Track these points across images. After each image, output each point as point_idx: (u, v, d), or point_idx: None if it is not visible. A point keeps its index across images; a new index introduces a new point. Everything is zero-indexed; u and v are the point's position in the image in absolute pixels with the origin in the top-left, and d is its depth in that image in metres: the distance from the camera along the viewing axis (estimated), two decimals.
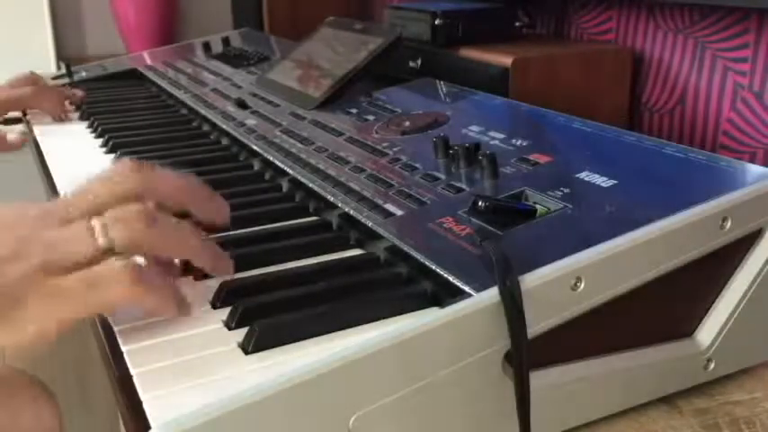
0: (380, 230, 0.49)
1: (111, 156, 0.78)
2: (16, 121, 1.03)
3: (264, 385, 0.33)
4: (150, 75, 1.17)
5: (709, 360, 0.47)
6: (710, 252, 0.44)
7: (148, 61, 1.27)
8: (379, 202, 0.53)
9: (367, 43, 0.85)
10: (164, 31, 1.87)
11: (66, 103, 1.00)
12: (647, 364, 0.45)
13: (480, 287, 0.39)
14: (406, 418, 0.36)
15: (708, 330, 0.47)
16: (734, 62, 0.97)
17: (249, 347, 0.39)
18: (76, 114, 0.99)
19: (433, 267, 0.43)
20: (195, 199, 0.46)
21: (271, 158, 0.68)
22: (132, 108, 1.01)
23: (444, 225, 0.47)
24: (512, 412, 0.37)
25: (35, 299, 0.37)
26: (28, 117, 0.99)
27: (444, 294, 0.43)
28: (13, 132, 0.88)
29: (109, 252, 0.40)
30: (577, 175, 0.50)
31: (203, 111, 0.89)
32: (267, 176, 0.69)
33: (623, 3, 1.13)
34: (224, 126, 0.81)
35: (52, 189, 0.70)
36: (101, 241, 0.39)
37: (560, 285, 0.39)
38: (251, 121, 0.80)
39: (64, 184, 0.70)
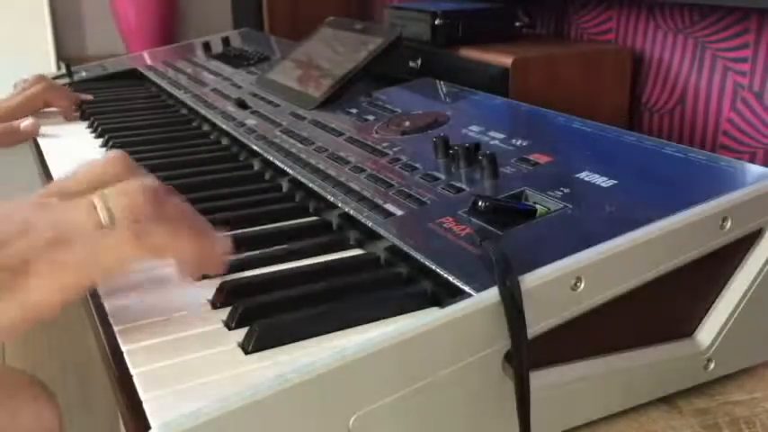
0: (380, 230, 0.49)
1: None
2: None
3: (264, 385, 0.33)
4: (150, 75, 1.17)
5: (709, 360, 0.47)
6: (710, 252, 0.44)
7: (148, 61, 1.27)
8: (379, 202, 0.53)
9: (367, 43, 0.85)
10: (164, 31, 1.87)
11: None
12: (647, 364, 0.45)
13: (480, 287, 0.39)
14: (406, 418, 0.36)
15: (708, 330, 0.47)
16: (734, 62, 0.97)
17: (249, 347, 0.39)
18: (76, 114, 0.99)
19: (433, 267, 0.43)
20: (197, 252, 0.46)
21: (271, 158, 0.68)
22: (132, 108, 1.01)
23: (444, 225, 0.47)
24: (512, 412, 0.37)
25: (45, 271, 0.37)
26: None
27: (444, 294, 0.43)
28: (25, 121, 0.88)
29: (109, 226, 0.40)
30: (577, 175, 0.50)
31: (203, 111, 0.89)
32: (267, 176, 0.69)
33: (623, 3, 1.13)
34: (224, 126, 0.81)
35: None
36: (101, 214, 0.40)
37: (560, 285, 0.39)
38: (251, 121, 0.80)
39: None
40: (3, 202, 0.42)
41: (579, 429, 0.43)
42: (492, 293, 0.38)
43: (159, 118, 0.95)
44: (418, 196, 0.52)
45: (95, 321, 0.46)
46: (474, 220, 0.47)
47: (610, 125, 0.60)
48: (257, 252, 0.51)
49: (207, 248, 0.44)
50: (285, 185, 0.65)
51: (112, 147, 0.80)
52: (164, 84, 1.09)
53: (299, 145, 0.69)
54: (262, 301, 0.44)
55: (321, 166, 0.62)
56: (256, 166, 0.72)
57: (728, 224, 0.44)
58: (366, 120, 0.73)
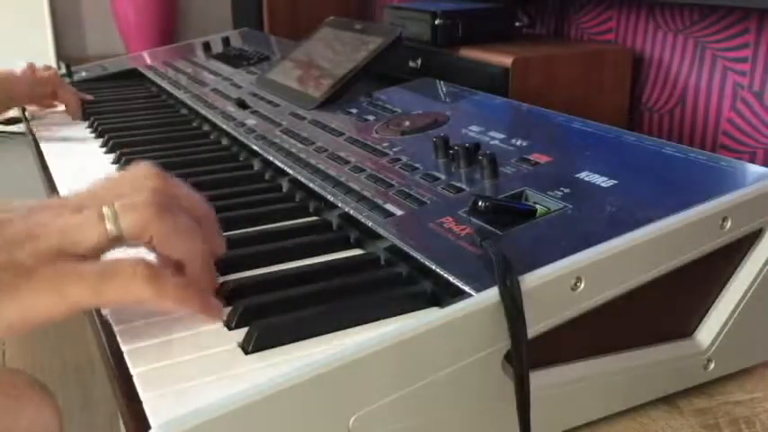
0: (380, 230, 0.49)
1: (111, 155, 0.78)
2: (16, 120, 1.03)
3: (264, 385, 0.33)
4: (150, 75, 1.17)
5: (709, 360, 0.47)
6: (710, 252, 0.44)
7: (148, 61, 1.27)
8: (379, 202, 0.53)
9: (367, 43, 0.85)
10: (164, 31, 1.87)
11: None
12: (647, 364, 0.45)
13: (480, 287, 0.39)
14: (406, 418, 0.36)
15: (708, 330, 0.47)
16: (734, 62, 0.97)
17: (249, 347, 0.39)
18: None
19: (433, 267, 0.43)
20: (206, 230, 0.45)
21: (271, 158, 0.68)
22: (132, 108, 1.01)
23: (444, 225, 0.47)
24: (512, 412, 0.37)
25: (49, 276, 0.37)
26: (28, 115, 0.99)
27: (444, 294, 0.43)
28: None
29: (118, 239, 0.40)
30: (577, 175, 0.50)
31: (203, 111, 0.89)
32: (267, 176, 0.69)
33: (623, 3, 1.13)
34: (224, 126, 0.81)
35: (52, 189, 0.70)
36: (110, 228, 0.40)
37: (560, 285, 0.39)
38: (251, 121, 0.80)
39: (64, 184, 0.70)
40: (22, 202, 0.42)
41: (579, 429, 0.43)
42: (492, 293, 0.38)
43: (159, 118, 0.95)
44: (418, 196, 0.52)
45: (95, 321, 0.46)
46: (474, 220, 0.47)
47: (610, 125, 0.60)
48: (257, 252, 0.51)
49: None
50: (285, 185, 0.65)
51: (112, 147, 0.80)
52: (164, 84, 1.09)
53: (299, 145, 0.69)
54: (262, 301, 0.44)
55: (321, 166, 0.62)
56: (256, 166, 0.72)
57: (728, 224, 0.44)
58: (366, 120, 0.73)
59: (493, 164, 0.53)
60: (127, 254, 0.40)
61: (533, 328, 0.38)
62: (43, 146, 0.84)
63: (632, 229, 0.42)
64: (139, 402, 0.36)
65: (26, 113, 0.99)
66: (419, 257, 0.45)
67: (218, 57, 1.18)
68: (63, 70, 1.20)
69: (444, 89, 0.80)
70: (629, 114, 1.11)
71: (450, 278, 0.41)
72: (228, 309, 0.43)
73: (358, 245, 0.53)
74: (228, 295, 0.45)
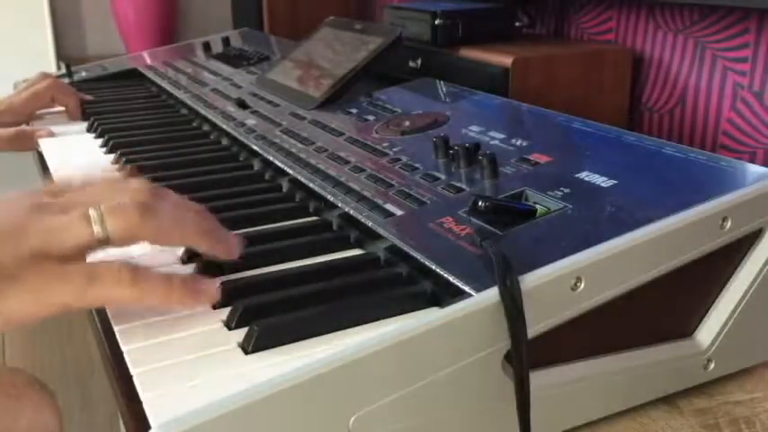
0: (380, 230, 0.49)
1: (112, 155, 0.78)
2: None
3: (264, 385, 0.33)
4: (150, 75, 1.17)
5: (709, 360, 0.47)
6: (710, 252, 0.44)
7: (148, 61, 1.27)
8: (379, 202, 0.53)
9: (367, 43, 0.85)
10: (164, 31, 1.87)
11: None
12: (647, 364, 0.45)
13: (480, 287, 0.39)
14: (406, 418, 0.36)
15: (708, 330, 0.47)
16: (734, 62, 0.97)
17: (249, 347, 0.39)
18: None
19: (433, 267, 0.43)
20: (205, 239, 0.45)
21: (271, 158, 0.68)
22: (132, 108, 1.01)
23: (444, 225, 0.47)
24: (512, 412, 0.37)
25: (32, 277, 0.37)
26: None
27: (444, 294, 0.43)
28: (41, 129, 0.89)
29: (104, 241, 0.40)
30: (577, 175, 0.50)
31: (203, 111, 0.89)
32: (267, 176, 0.69)
33: (623, 3, 1.13)
34: (224, 126, 0.81)
35: None
36: (96, 230, 0.40)
37: (560, 285, 0.39)
38: (251, 121, 0.80)
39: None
40: (3, 196, 0.42)
41: (579, 429, 0.43)
42: (492, 293, 0.38)
43: (159, 118, 0.95)
44: (418, 196, 0.52)
45: (95, 321, 0.46)
46: (474, 220, 0.47)
47: (610, 125, 0.60)
48: (257, 252, 0.51)
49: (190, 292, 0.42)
50: (285, 185, 0.65)
51: (112, 147, 0.80)
52: (164, 84, 1.09)
53: (299, 145, 0.69)
54: (262, 301, 0.44)
55: (321, 166, 0.62)
56: (256, 166, 0.72)
57: (728, 224, 0.44)
58: (366, 120, 0.73)
59: (493, 164, 0.53)
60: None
61: (533, 328, 0.38)
62: (43, 146, 0.84)
63: (632, 229, 0.42)
64: (139, 402, 0.36)
65: None
66: (419, 257, 0.45)
67: (218, 57, 1.18)
68: (63, 70, 1.20)
69: (444, 89, 0.80)
70: (629, 114, 1.11)
71: (451, 278, 0.41)
72: (228, 309, 0.43)
73: (358, 245, 0.53)
74: (229, 295, 0.45)
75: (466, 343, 0.37)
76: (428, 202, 0.51)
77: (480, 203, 0.46)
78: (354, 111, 0.76)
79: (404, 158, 0.60)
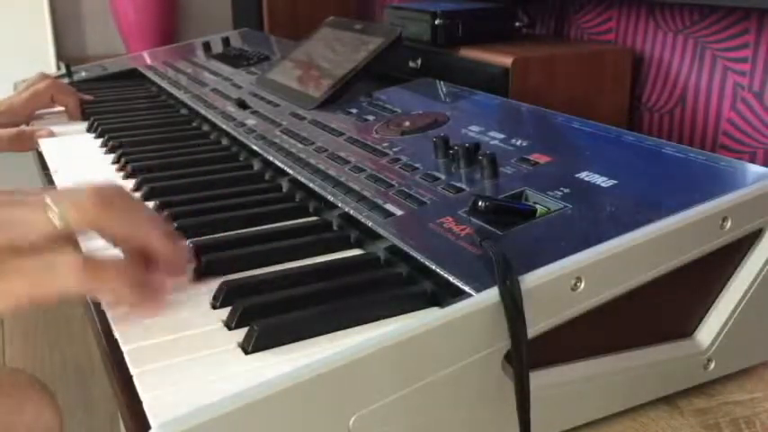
0: (380, 230, 0.49)
1: (112, 155, 0.78)
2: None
3: (264, 385, 0.33)
4: (150, 75, 1.17)
5: (709, 360, 0.47)
6: (710, 252, 0.44)
7: (148, 61, 1.27)
8: (379, 202, 0.53)
9: (367, 43, 0.85)
10: (164, 31, 1.87)
11: None
12: (647, 364, 0.45)
13: (480, 287, 0.39)
14: (406, 418, 0.36)
15: (708, 330, 0.47)
16: (734, 62, 0.97)
17: (249, 347, 0.39)
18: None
19: (433, 267, 0.43)
20: (162, 250, 0.45)
21: (271, 158, 0.68)
22: (132, 108, 1.01)
23: (444, 225, 0.47)
24: (512, 412, 0.37)
25: None
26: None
27: (444, 294, 0.43)
28: (41, 130, 0.89)
29: (65, 229, 0.40)
30: (577, 175, 0.50)
31: (203, 111, 0.89)
32: (267, 176, 0.69)
33: (623, 3, 1.13)
34: (224, 126, 0.81)
35: None
36: (57, 223, 0.40)
37: (560, 285, 0.39)
38: (251, 121, 0.80)
39: (63, 185, 0.70)
40: None
41: (579, 429, 0.43)
42: (492, 293, 0.38)
43: (159, 118, 0.95)
44: (418, 196, 0.52)
45: (95, 321, 0.46)
46: (474, 220, 0.47)
47: (610, 125, 0.60)
48: (257, 252, 0.51)
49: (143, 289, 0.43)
50: (285, 185, 0.65)
51: (112, 147, 0.80)
52: (164, 84, 1.09)
53: (299, 145, 0.69)
54: (262, 301, 0.44)
55: (321, 166, 0.62)
56: (256, 166, 0.72)
57: (728, 224, 0.44)
58: (366, 120, 0.73)
59: (493, 164, 0.53)
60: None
61: (533, 328, 0.38)
62: (43, 146, 0.84)
63: (632, 229, 0.42)
64: (139, 402, 0.36)
65: None
66: (419, 257, 0.45)
67: (218, 57, 1.18)
68: (63, 70, 1.20)
69: (444, 89, 0.80)
70: (629, 114, 1.11)
71: (451, 278, 0.41)
72: (228, 309, 0.44)
73: (358, 245, 0.53)
74: (228, 295, 0.45)
75: (466, 343, 0.37)
76: (428, 202, 0.51)
77: (480, 203, 0.46)
78: (354, 111, 0.76)
79: (404, 158, 0.60)
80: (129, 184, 0.68)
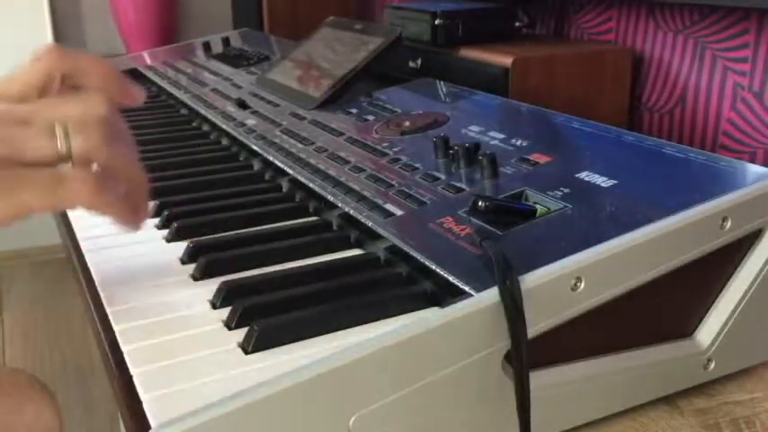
0: (380, 230, 0.49)
1: None
2: None
3: (264, 385, 0.33)
4: (150, 75, 1.17)
5: (709, 360, 0.47)
6: (710, 252, 0.44)
7: (148, 61, 1.27)
8: (379, 202, 0.53)
9: (367, 43, 0.85)
10: (164, 31, 1.87)
11: None
12: (647, 364, 0.45)
13: (480, 287, 0.39)
14: (406, 418, 0.36)
15: (708, 330, 0.47)
16: (734, 62, 0.97)
17: (249, 347, 0.39)
18: None
19: (433, 267, 0.43)
20: (116, 86, 0.49)
21: (271, 158, 0.68)
22: (132, 108, 1.01)
23: (444, 225, 0.47)
24: (512, 412, 0.37)
25: (1, 179, 0.37)
26: None
27: (444, 294, 0.43)
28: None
29: (65, 158, 0.40)
30: (577, 175, 0.50)
31: (203, 111, 0.89)
32: (267, 176, 0.69)
33: (623, 3, 1.13)
34: (224, 126, 0.81)
35: None
36: (60, 146, 0.40)
37: (560, 285, 0.39)
38: (251, 121, 0.80)
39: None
40: None
41: (579, 429, 0.43)
42: (492, 293, 0.38)
43: (159, 118, 0.95)
44: (418, 196, 0.52)
45: (95, 321, 0.46)
46: (474, 220, 0.47)
47: (610, 125, 0.60)
48: (257, 252, 0.51)
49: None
50: (285, 185, 0.65)
51: None
52: (164, 84, 1.09)
53: (299, 145, 0.69)
54: (262, 301, 0.44)
55: (321, 166, 0.62)
56: (256, 166, 0.72)
57: (728, 224, 0.44)
58: (366, 120, 0.73)
59: (493, 164, 0.53)
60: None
61: (533, 328, 0.38)
62: None
63: (632, 229, 0.42)
64: (139, 402, 0.36)
65: None
66: (419, 257, 0.45)
67: (218, 57, 1.18)
68: None
69: (444, 89, 0.80)
70: (629, 114, 1.11)
71: (450, 278, 0.41)
72: (228, 309, 0.44)
73: (358, 245, 0.53)
74: (228, 295, 0.45)
75: (466, 343, 0.37)
76: (428, 202, 0.51)
77: (480, 203, 0.46)
78: (354, 111, 0.76)
79: (404, 158, 0.60)
80: None
